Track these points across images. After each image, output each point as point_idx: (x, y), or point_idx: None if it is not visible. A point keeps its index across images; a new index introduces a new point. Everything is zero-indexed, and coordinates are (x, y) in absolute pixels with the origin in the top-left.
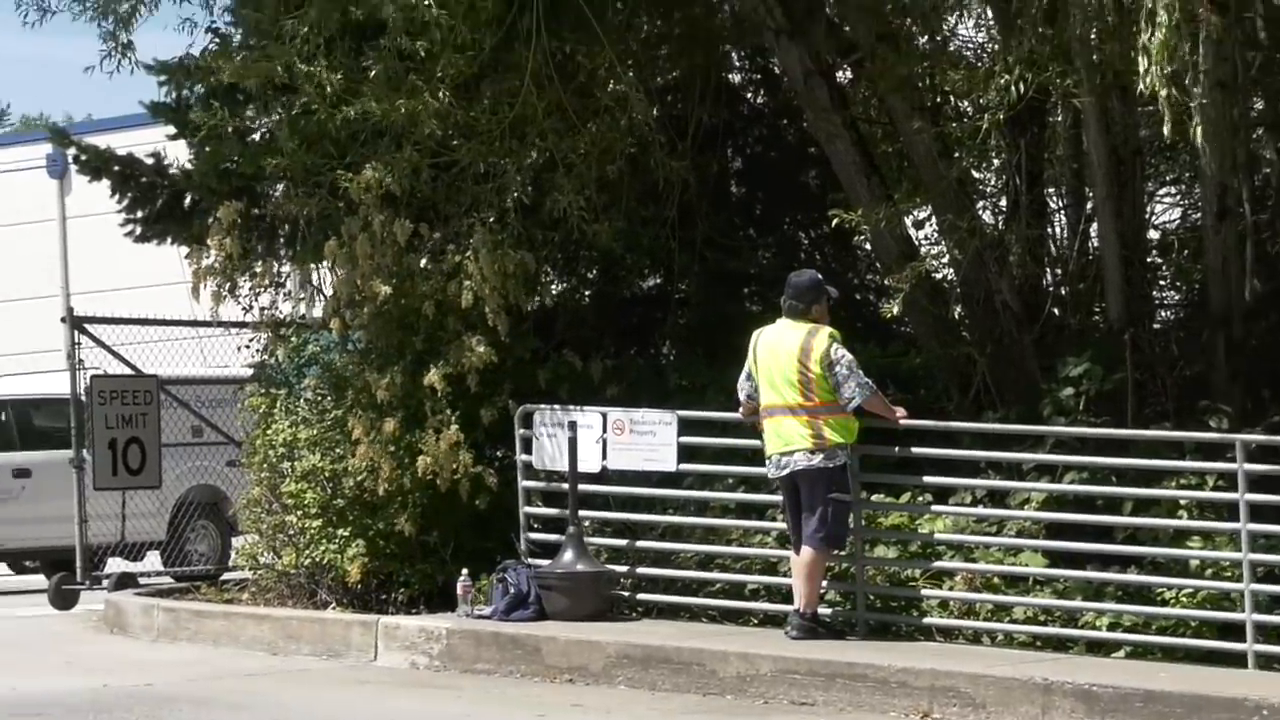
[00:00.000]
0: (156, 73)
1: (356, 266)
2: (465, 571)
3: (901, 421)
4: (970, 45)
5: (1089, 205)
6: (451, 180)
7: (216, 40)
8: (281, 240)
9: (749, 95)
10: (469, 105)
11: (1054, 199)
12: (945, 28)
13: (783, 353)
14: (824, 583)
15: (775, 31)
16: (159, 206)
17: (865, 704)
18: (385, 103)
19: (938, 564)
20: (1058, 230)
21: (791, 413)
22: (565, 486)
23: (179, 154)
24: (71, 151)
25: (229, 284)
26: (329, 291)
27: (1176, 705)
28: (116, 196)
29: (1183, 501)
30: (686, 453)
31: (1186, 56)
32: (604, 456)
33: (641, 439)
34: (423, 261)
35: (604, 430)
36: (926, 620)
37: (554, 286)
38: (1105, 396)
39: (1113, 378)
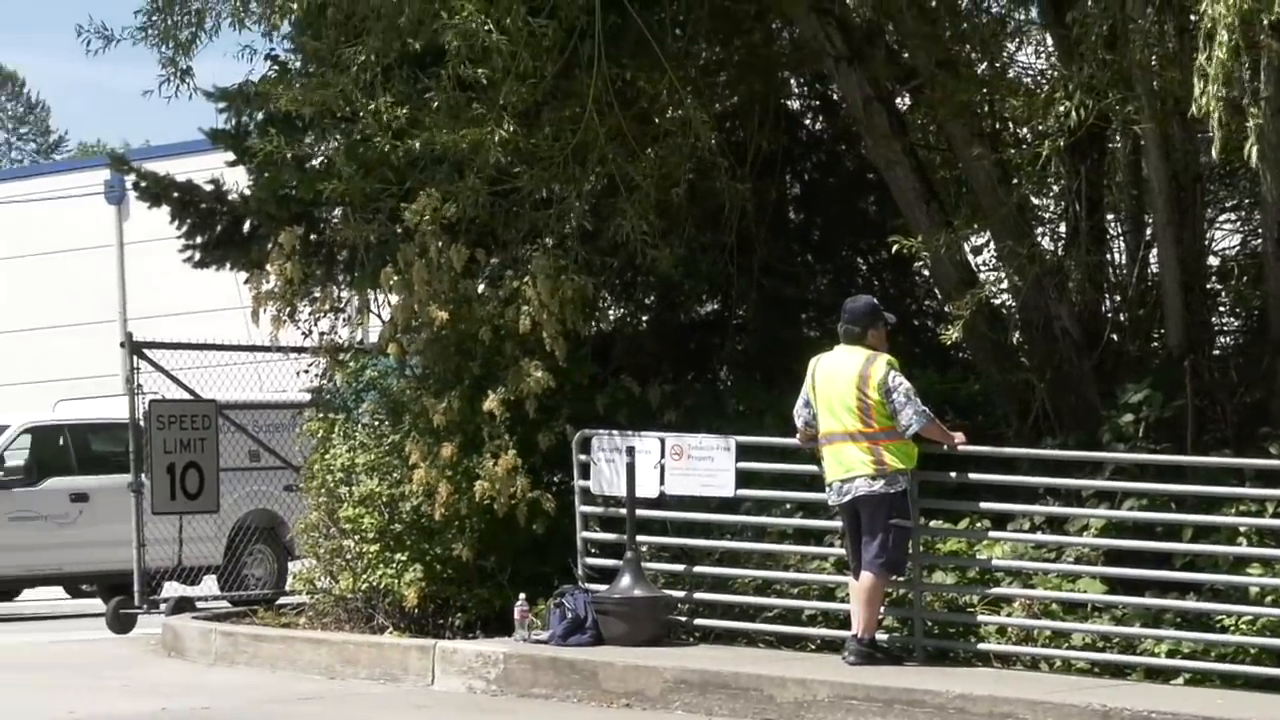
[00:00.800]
0: (216, 99)
1: (413, 292)
2: (523, 596)
3: (960, 447)
4: (1030, 71)
5: (1149, 231)
6: (510, 206)
7: (276, 67)
8: (340, 266)
9: (808, 121)
10: (530, 132)
11: (1113, 225)
12: (1005, 54)
13: (841, 379)
14: (882, 609)
15: (835, 58)
16: (218, 232)
17: None
18: (450, 132)
19: (996, 590)
20: (1117, 256)
21: (851, 439)
22: (623, 511)
23: (238, 180)
24: (131, 177)
25: (288, 309)
26: (387, 317)
27: None
28: (175, 222)
29: (1242, 528)
30: (744, 478)
31: (1246, 81)
32: (662, 482)
33: (699, 464)
34: (480, 287)
35: (662, 455)
36: (984, 646)
37: (612, 312)
38: (1165, 423)
39: (1172, 404)
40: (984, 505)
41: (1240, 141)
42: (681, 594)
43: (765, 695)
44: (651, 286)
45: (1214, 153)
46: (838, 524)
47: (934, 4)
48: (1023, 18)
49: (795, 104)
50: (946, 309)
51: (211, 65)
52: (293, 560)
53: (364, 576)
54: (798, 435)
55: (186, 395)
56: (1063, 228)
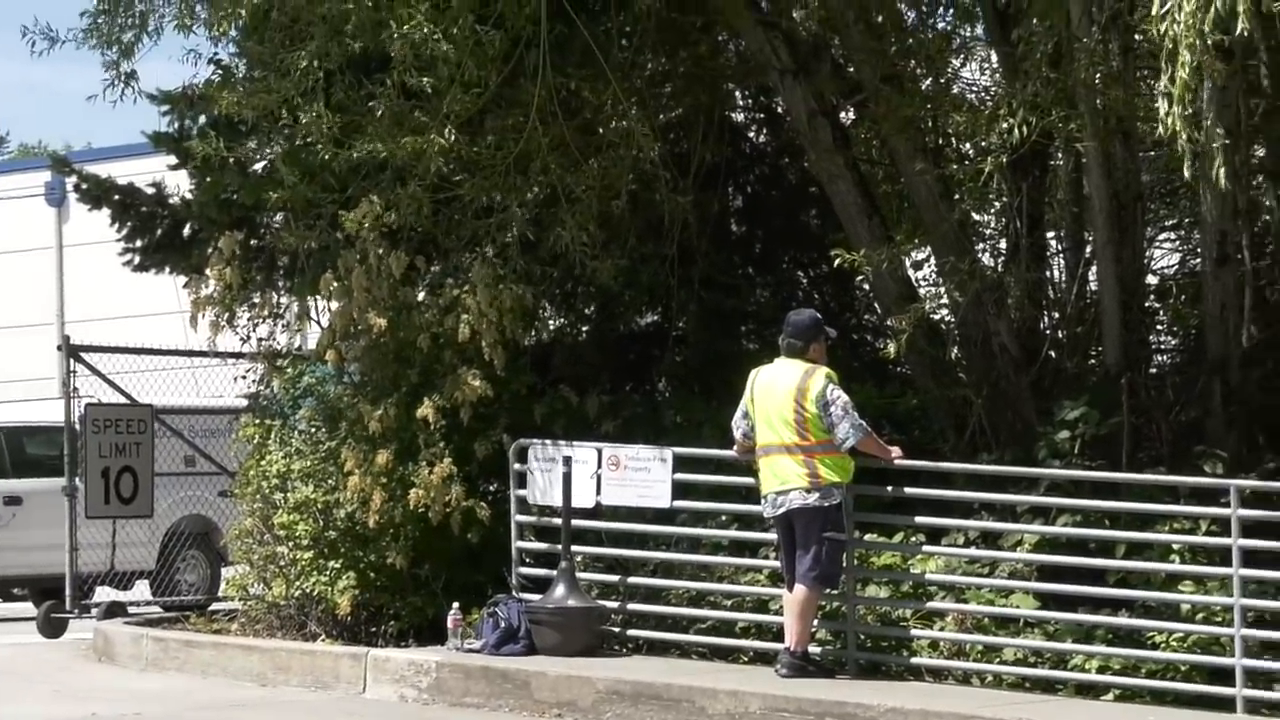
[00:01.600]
0: (159, 102)
1: (353, 299)
2: (456, 605)
3: (896, 462)
4: (974, 88)
5: (1088, 249)
6: (452, 215)
7: (219, 71)
8: (281, 272)
9: (752, 134)
10: (473, 140)
11: (1054, 242)
12: (950, 70)
13: (779, 392)
14: (815, 621)
15: (780, 71)
16: (158, 236)
17: None
18: (390, 141)
19: (929, 604)
20: (1056, 274)
21: (788, 451)
22: (558, 521)
23: (179, 184)
24: (72, 180)
25: (227, 314)
26: (326, 323)
27: None
28: (116, 225)
29: (1176, 546)
30: (681, 489)
31: (1202, 103)
32: (598, 492)
33: (636, 475)
34: (420, 295)
35: (599, 466)
36: (917, 660)
37: (552, 322)
38: (1101, 440)
39: (1109, 422)
40: (919, 520)
41: (1207, 163)
42: (616, 604)
43: (697, 706)
44: (592, 297)
45: (1185, 173)
46: (773, 536)
47: (880, 19)
48: (968, 34)
49: (740, 116)
50: (886, 324)
51: (156, 68)
52: (226, 566)
53: (297, 583)
54: (735, 447)
55: (123, 399)
56: (1003, 244)
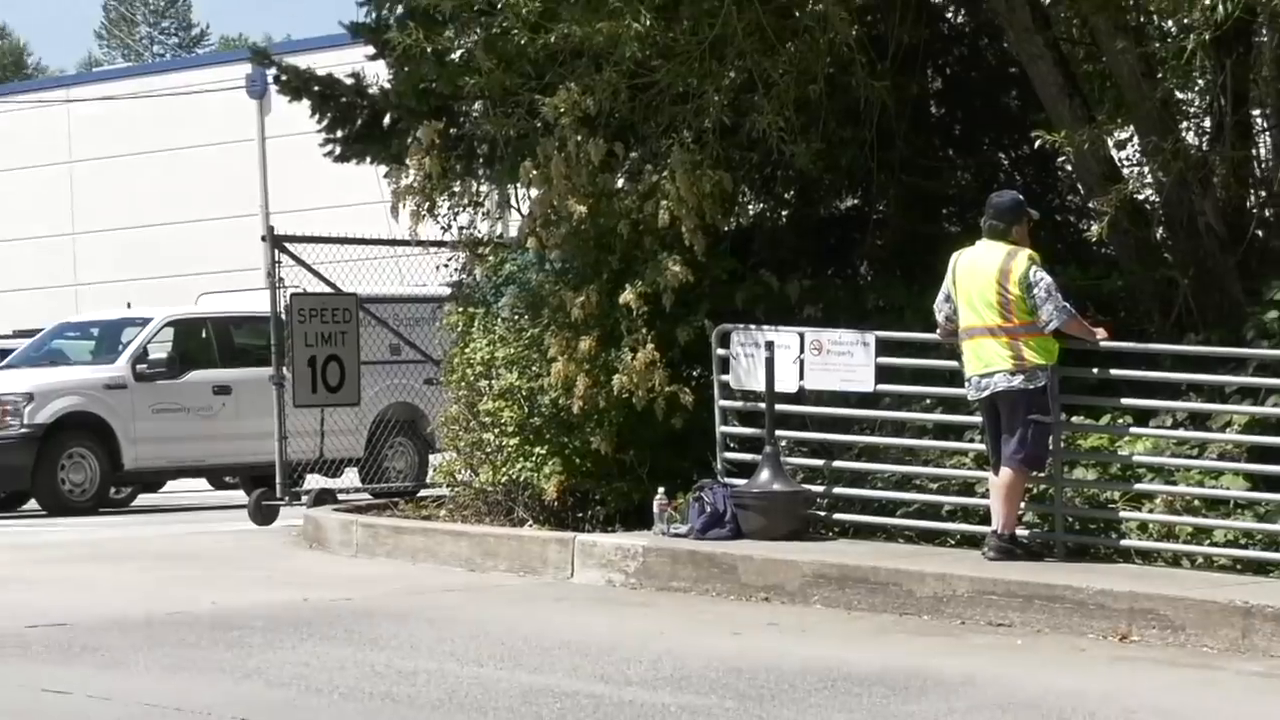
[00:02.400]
0: None
1: (552, 186)
2: (661, 490)
3: (1102, 343)
4: None
5: None
6: (649, 101)
7: None
8: (480, 160)
9: (949, 15)
10: (668, 26)
11: (1259, 120)
12: None
13: (982, 274)
14: (1022, 504)
15: None
16: (358, 126)
17: (1063, 625)
18: (585, 25)
19: (1137, 486)
20: (1263, 151)
21: (991, 334)
22: (762, 406)
23: (378, 74)
24: (272, 71)
25: (428, 203)
26: (526, 211)
27: None
28: (316, 116)
29: None
30: (884, 373)
31: None
32: (801, 377)
33: (839, 359)
34: (619, 181)
35: (801, 350)
36: (1125, 543)
37: (751, 207)
38: None
39: None
40: (1125, 401)
41: None
42: (820, 489)
43: (904, 590)
44: (790, 181)
45: None
46: (978, 419)
47: None
48: None
49: None
50: (1089, 205)
51: None
52: (433, 453)
53: (503, 470)
54: (938, 330)
55: (327, 289)
56: (1207, 123)
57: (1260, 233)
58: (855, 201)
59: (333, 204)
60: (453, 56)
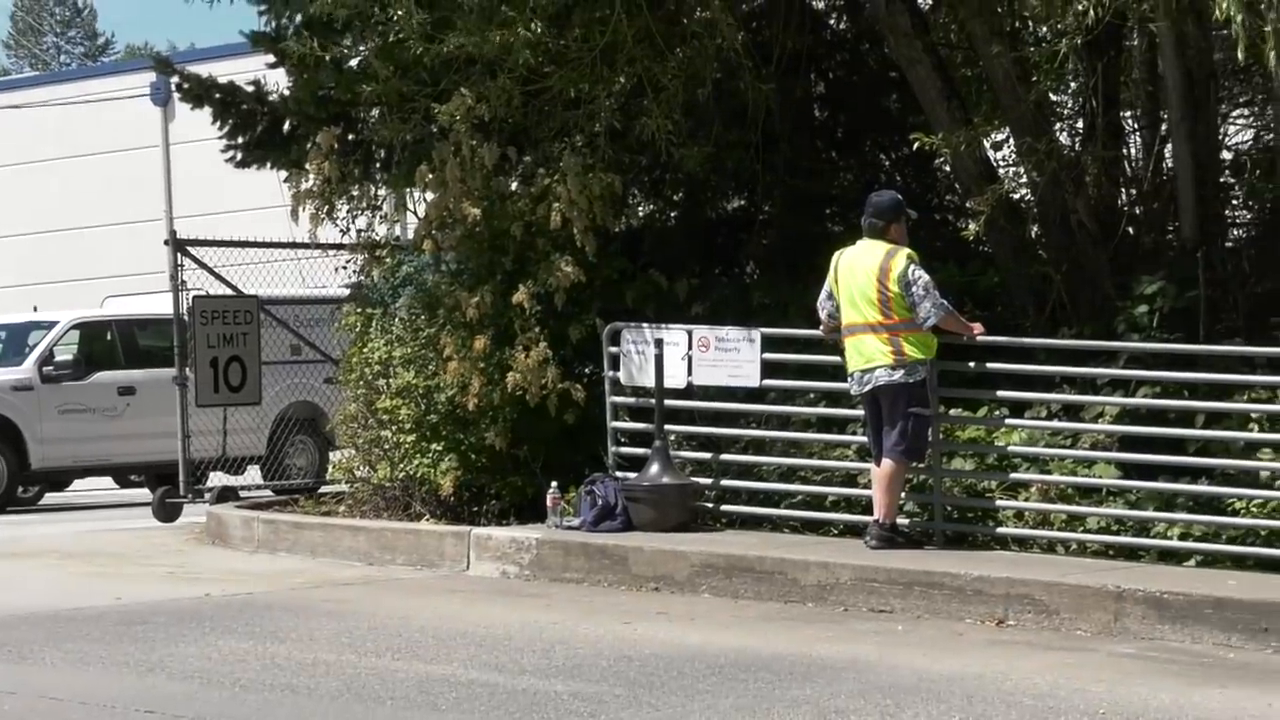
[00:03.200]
0: (255, 2)
1: (448, 190)
2: (554, 484)
3: (978, 338)
4: None
5: (1163, 127)
6: (542, 106)
7: None
8: (377, 165)
9: (832, 21)
10: (560, 34)
11: (1129, 121)
12: None
13: (862, 272)
14: (903, 494)
15: None
16: (259, 133)
17: (942, 611)
18: (478, 35)
19: (1013, 476)
20: (1133, 151)
21: (872, 330)
22: (652, 402)
23: (278, 81)
24: (174, 80)
25: (327, 207)
26: (422, 214)
27: (1245, 612)
28: (218, 123)
29: (1254, 415)
30: (769, 369)
31: None
32: (689, 373)
33: (726, 355)
34: (512, 184)
35: (689, 347)
36: (1002, 530)
37: (640, 208)
38: (1178, 313)
39: (1186, 295)
40: (1002, 394)
41: (1260, 43)
42: (708, 481)
43: (789, 579)
44: (679, 183)
45: (1239, 55)
46: (860, 413)
47: None
48: None
49: (820, 4)
50: (967, 204)
51: None
52: (333, 450)
53: (401, 465)
54: (821, 327)
55: (229, 292)
56: (1080, 124)
57: (1131, 229)
58: (742, 203)
59: (235, 208)
60: (350, 64)
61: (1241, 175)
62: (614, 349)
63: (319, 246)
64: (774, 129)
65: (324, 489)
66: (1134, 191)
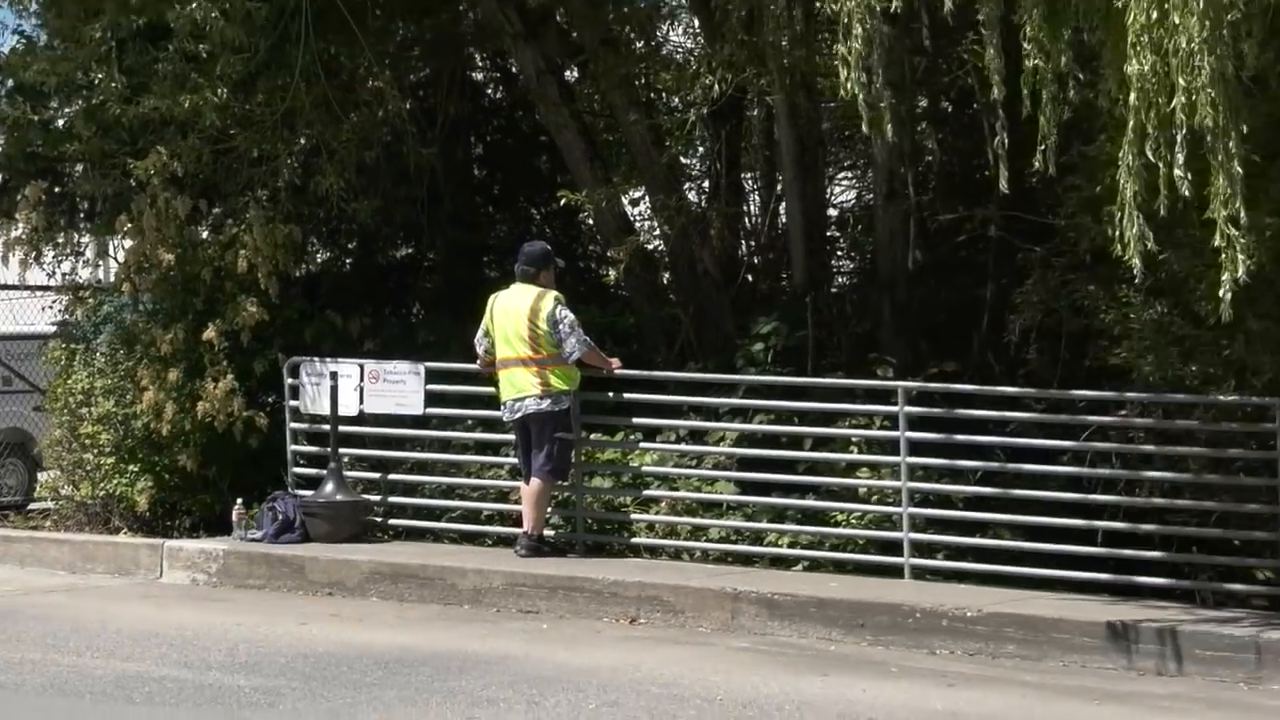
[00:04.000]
0: None
1: (145, 238)
2: (239, 501)
3: (616, 371)
4: (680, 49)
5: (778, 187)
6: (230, 164)
7: (23, 41)
8: (81, 215)
9: (490, 91)
10: (246, 99)
11: (749, 181)
12: (659, 34)
13: (515, 313)
14: (549, 509)
15: (513, 35)
16: None
17: (582, 611)
18: (170, 99)
19: (646, 492)
20: (752, 208)
21: (523, 364)
22: (327, 428)
23: None
24: None
25: (35, 253)
26: (122, 259)
27: (845, 610)
28: None
29: (853, 439)
30: (432, 398)
31: (874, 63)
32: (361, 402)
33: (394, 387)
34: (203, 234)
35: (361, 379)
36: (635, 540)
37: (319, 255)
38: (790, 350)
39: (796, 334)
40: (636, 420)
41: (877, 115)
42: (378, 498)
43: (449, 584)
44: (353, 233)
45: (864, 128)
46: (512, 437)
47: None
48: (674, 2)
49: (479, 76)
50: (608, 253)
51: None
52: (41, 471)
53: (102, 484)
54: (478, 362)
55: None
56: (706, 184)
57: (750, 277)
58: (410, 251)
59: None
60: (57, 124)
61: (845, 230)
62: (294, 381)
63: (28, 288)
64: (438, 186)
65: (32, 506)
66: (753, 243)
